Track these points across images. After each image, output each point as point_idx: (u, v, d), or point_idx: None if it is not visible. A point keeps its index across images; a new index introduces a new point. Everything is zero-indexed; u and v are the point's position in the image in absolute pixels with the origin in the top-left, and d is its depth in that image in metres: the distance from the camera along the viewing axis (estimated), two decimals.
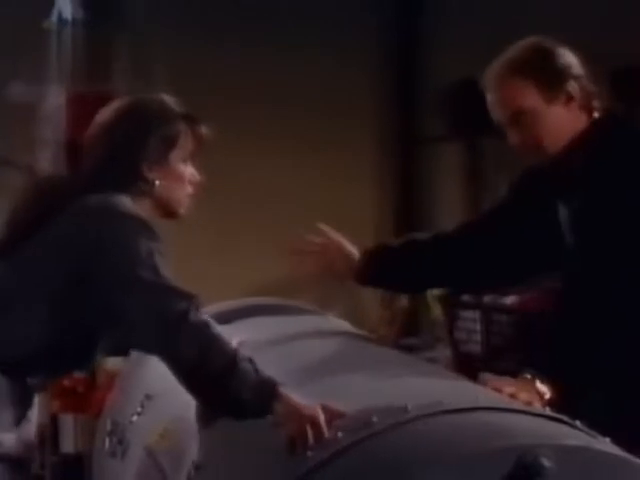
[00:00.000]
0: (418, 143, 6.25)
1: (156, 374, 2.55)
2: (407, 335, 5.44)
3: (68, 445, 4.76)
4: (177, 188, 2.28)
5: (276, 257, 5.88)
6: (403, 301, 5.54)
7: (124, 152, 2.25)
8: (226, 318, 2.80)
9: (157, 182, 2.25)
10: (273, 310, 2.99)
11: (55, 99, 5.01)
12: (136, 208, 2.20)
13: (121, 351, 2.88)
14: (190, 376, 2.07)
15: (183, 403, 2.28)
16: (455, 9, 5.89)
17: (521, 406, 2.02)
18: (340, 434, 1.88)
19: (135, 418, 2.56)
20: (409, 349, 2.75)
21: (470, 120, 5.82)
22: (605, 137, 2.48)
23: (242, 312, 2.91)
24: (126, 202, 2.20)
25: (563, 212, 2.53)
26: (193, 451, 2.21)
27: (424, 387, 2.12)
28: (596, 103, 2.52)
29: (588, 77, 2.53)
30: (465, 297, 4.62)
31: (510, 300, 4.41)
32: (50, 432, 4.77)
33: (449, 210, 5.99)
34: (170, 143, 2.27)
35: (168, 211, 2.29)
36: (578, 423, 1.99)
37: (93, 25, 5.22)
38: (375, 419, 1.87)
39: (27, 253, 2.21)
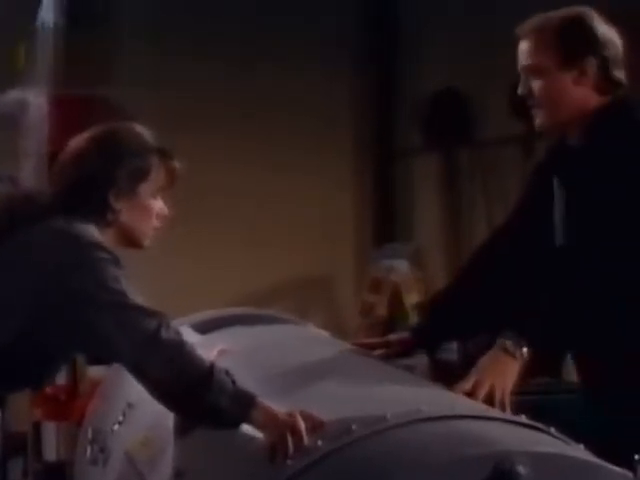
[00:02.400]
0: (396, 153, 6.27)
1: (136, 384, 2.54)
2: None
3: (50, 453, 4.75)
4: (143, 220, 2.29)
5: (256, 267, 5.91)
6: (381, 309, 5.55)
7: (93, 179, 2.24)
8: (206, 328, 2.80)
9: (123, 212, 2.25)
10: (252, 320, 2.98)
11: (38, 110, 4.99)
12: (100, 236, 2.20)
13: (103, 360, 2.87)
14: (165, 392, 2.07)
15: (164, 411, 2.27)
16: (434, 20, 5.91)
17: (498, 414, 2.03)
18: (320, 442, 1.88)
19: (117, 427, 2.55)
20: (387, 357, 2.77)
21: (447, 130, 5.85)
22: (609, 123, 2.46)
23: (222, 322, 2.91)
24: (91, 230, 2.20)
25: (560, 188, 2.54)
26: (174, 458, 2.20)
27: (402, 395, 2.12)
28: (615, 88, 2.48)
29: (620, 62, 2.49)
30: None
31: None
32: (32, 440, 4.76)
33: (427, 219, 6.01)
34: (141, 176, 2.27)
35: (131, 242, 2.29)
36: (553, 430, 2.00)
37: (75, 31, 5.20)
38: (354, 427, 1.87)
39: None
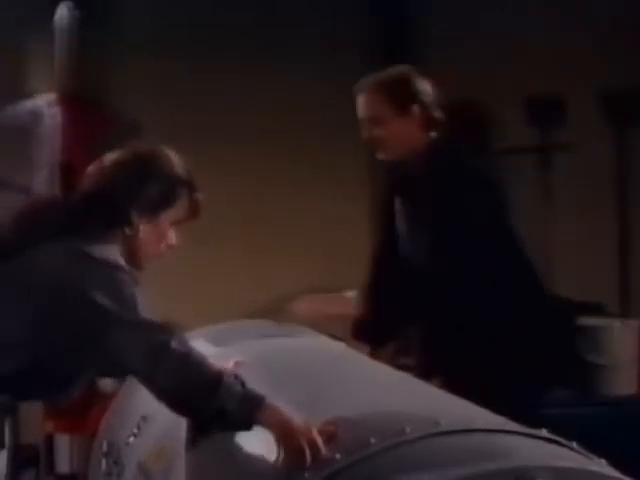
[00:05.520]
0: None
1: (151, 396, 2.54)
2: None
3: (64, 465, 4.75)
4: (155, 244, 2.32)
5: (269, 279, 5.89)
6: None
7: (121, 192, 2.28)
8: (221, 340, 2.80)
9: (141, 231, 2.28)
10: (268, 332, 2.98)
11: (51, 120, 5.01)
12: (114, 254, 2.23)
13: (116, 374, 2.88)
14: (175, 400, 2.11)
15: (178, 423, 2.28)
16: (449, 29, 5.91)
17: (518, 427, 2.02)
18: (338, 455, 1.88)
19: (131, 439, 2.55)
20: (405, 369, 2.77)
21: (462, 141, 5.84)
22: (434, 156, 3.16)
23: (237, 334, 2.91)
24: (108, 249, 2.23)
25: (402, 209, 3.22)
26: (186, 470, 2.21)
27: (420, 407, 2.11)
28: (437, 124, 3.21)
29: (436, 105, 3.23)
30: None
31: None
32: (45, 452, 4.76)
33: None
34: (166, 201, 2.31)
35: (135, 260, 2.31)
36: (574, 444, 1.98)
37: (90, 37, 5.22)
38: (373, 440, 1.87)
39: (9, 277, 2.22)
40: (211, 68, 5.72)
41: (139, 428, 2.54)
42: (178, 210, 2.33)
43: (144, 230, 2.29)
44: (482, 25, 5.75)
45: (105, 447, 2.72)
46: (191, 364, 2.09)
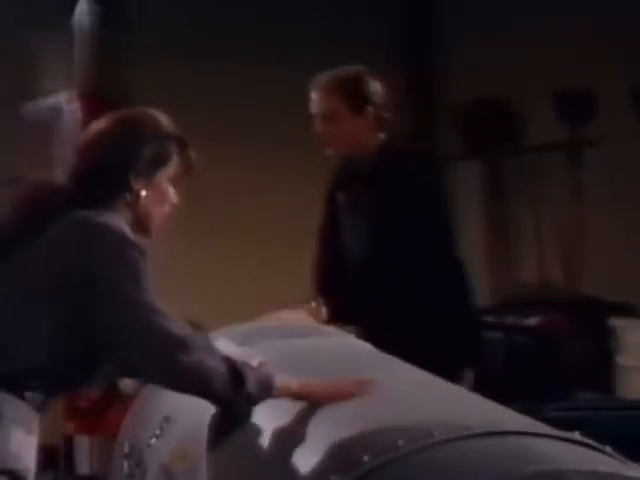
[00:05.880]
0: (438, 160, 6.23)
1: (174, 396, 2.54)
2: None
3: (84, 466, 4.77)
4: (158, 204, 2.34)
5: (292, 278, 5.89)
6: None
7: (114, 160, 2.30)
8: (243, 340, 2.80)
9: (142, 194, 2.30)
10: (290, 331, 2.98)
11: (72, 116, 5.03)
12: (120, 223, 2.25)
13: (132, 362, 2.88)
14: (190, 389, 2.17)
15: (201, 424, 2.29)
16: (476, 23, 5.89)
17: (550, 430, 2.01)
18: (365, 457, 1.87)
19: (153, 441, 2.56)
20: None
21: (490, 137, 5.82)
22: (385, 155, 3.36)
23: (259, 333, 2.91)
24: (120, 222, 2.24)
25: (348, 205, 3.41)
26: (209, 471, 2.21)
27: (451, 409, 2.10)
28: (386, 127, 3.40)
29: (386, 106, 3.41)
30: (488, 319, 4.61)
31: (533, 321, 4.38)
32: (64, 453, 4.78)
33: (469, 230, 5.97)
34: (160, 160, 2.33)
35: (144, 227, 2.33)
36: (608, 448, 1.97)
37: (110, 35, 5.23)
38: (401, 443, 1.86)
39: (20, 265, 2.23)
40: (217, 67, 5.73)
41: (161, 429, 2.54)
42: (173, 167, 2.34)
43: (145, 194, 2.31)
44: (512, 21, 5.73)
45: (127, 448, 2.73)
46: (205, 355, 2.13)
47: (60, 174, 2.36)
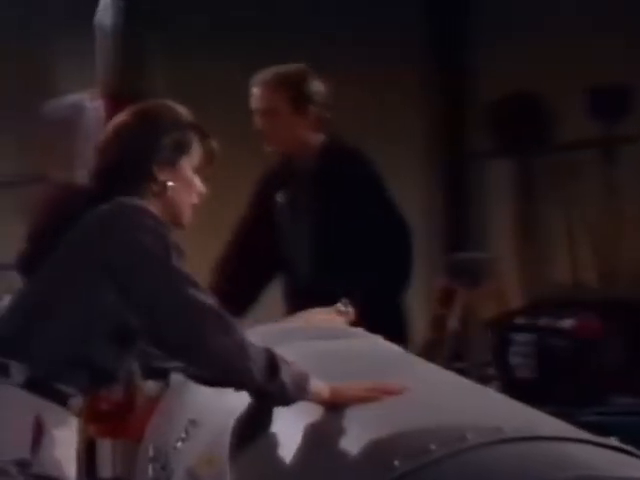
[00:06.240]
0: (467, 159, 6.22)
1: (200, 399, 2.55)
2: (456, 359, 5.41)
3: (106, 470, 4.78)
4: (185, 193, 2.36)
5: None
6: (453, 324, 5.51)
7: (136, 152, 2.32)
8: (269, 342, 2.79)
9: (168, 183, 2.33)
10: (317, 333, 2.97)
11: (94, 113, 5.05)
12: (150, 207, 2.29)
13: (159, 374, 2.90)
14: (220, 369, 2.18)
15: (228, 428, 2.30)
16: (508, 19, 5.87)
17: (586, 435, 2.00)
18: (396, 462, 1.87)
19: (179, 444, 2.56)
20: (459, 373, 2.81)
21: (522, 134, 5.80)
22: (326, 155, 3.46)
23: (286, 335, 2.90)
24: (143, 202, 2.28)
25: (287, 203, 3.49)
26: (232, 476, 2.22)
27: (483, 412, 2.10)
28: (325, 125, 3.50)
29: (326, 106, 3.50)
30: (520, 320, 4.59)
31: (567, 323, 4.36)
32: (86, 457, 4.79)
33: (501, 228, 5.96)
34: (182, 148, 2.35)
35: (174, 217, 2.36)
36: None
37: (133, 33, 5.25)
38: (433, 447, 1.86)
39: (53, 265, 2.27)
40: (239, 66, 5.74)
41: (187, 432, 2.54)
42: (194, 156, 2.37)
43: (171, 184, 2.33)
44: (544, 17, 5.71)
45: (152, 452, 2.73)
46: (241, 334, 2.17)
47: (83, 174, 2.39)
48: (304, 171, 3.49)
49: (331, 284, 3.30)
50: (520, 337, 4.58)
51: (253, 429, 2.27)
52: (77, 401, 2.27)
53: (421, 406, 2.13)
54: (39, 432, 2.19)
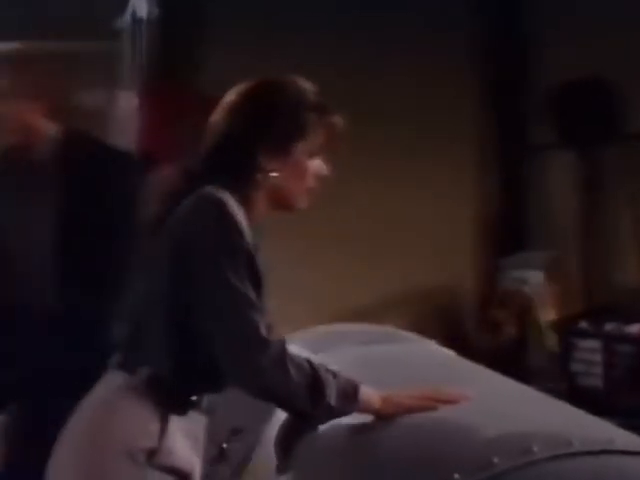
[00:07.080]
0: (528, 151, 6.17)
1: (242, 408, 2.54)
2: (514, 365, 5.37)
3: None
4: (296, 182, 2.25)
5: (369, 279, 5.88)
6: (511, 327, 5.48)
7: (242, 137, 2.22)
8: (317, 345, 2.79)
9: (273, 174, 2.23)
10: (368, 337, 2.96)
11: (128, 105, 5.08)
12: (239, 207, 2.20)
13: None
14: (270, 389, 2.12)
15: (269, 439, 2.31)
16: (563, 7, 5.82)
17: None
18: (456, 475, 1.84)
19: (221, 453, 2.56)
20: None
21: (588, 124, 5.73)
22: (64, 145, 3.38)
23: (335, 339, 2.90)
24: (231, 200, 2.20)
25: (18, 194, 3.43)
26: None
27: (550, 423, 2.06)
28: (59, 117, 3.39)
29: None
30: (584, 325, 4.56)
31: (635, 329, 4.33)
32: None
33: (565, 225, 5.90)
34: (296, 134, 2.23)
35: (282, 203, 2.28)
36: None
37: (168, 24, 5.28)
38: (496, 460, 1.83)
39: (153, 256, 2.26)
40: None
41: (229, 441, 2.54)
42: (311, 140, 2.25)
43: (279, 170, 2.23)
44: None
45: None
46: (288, 354, 2.11)
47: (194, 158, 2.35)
48: (39, 161, 3.42)
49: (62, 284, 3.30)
50: (584, 343, 4.56)
51: (294, 439, 2.26)
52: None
53: (482, 415, 2.10)
54: (165, 422, 2.19)
